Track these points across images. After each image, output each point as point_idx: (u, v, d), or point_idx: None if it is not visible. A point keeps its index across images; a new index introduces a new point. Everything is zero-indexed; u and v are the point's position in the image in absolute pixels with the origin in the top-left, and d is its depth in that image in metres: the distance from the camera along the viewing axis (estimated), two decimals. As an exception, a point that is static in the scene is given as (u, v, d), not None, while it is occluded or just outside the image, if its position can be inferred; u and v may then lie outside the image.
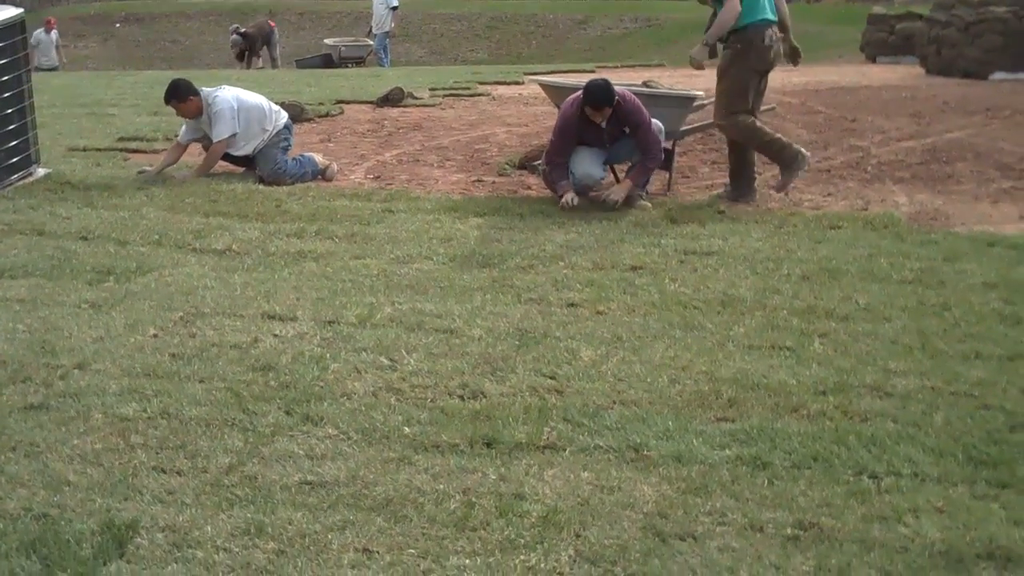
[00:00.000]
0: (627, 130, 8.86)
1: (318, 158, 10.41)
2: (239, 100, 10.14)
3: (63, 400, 5.03)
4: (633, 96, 8.84)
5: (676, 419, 4.82)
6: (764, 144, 9.08)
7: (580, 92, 8.84)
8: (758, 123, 9.08)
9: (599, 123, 8.79)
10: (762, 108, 9.47)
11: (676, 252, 7.55)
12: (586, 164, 8.96)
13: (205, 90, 10.14)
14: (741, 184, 9.32)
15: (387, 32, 25.74)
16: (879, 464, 4.40)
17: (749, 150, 9.28)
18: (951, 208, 9.02)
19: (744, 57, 8.93)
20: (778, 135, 9.20)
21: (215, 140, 10.06)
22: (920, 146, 11.22)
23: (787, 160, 9.05)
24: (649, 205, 8.93)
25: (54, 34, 28.88)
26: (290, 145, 10.35)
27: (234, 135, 10.04)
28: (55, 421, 4.82)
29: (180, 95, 10.04)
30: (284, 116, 10.38)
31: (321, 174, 10.20)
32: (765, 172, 9.79)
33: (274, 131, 10.15)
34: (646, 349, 5.70)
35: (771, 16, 8.94)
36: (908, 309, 6.36)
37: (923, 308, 6.39)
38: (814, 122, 12.83)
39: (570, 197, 8.71)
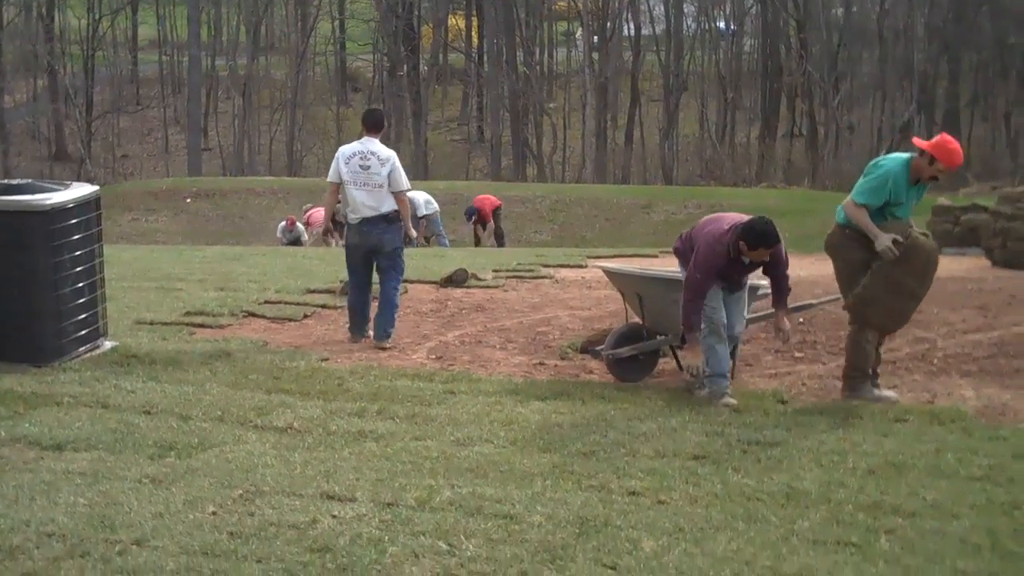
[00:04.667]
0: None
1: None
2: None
3: (120, 577, 5.01)
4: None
5: (739, 616, 4.72)
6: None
7: (726, 229, 8.64)
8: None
9: (747, 262, 8.66)
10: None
11: (739, 442, 7.48)
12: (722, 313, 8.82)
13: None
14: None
15: (437, 211, 25.98)
16: (950, 670, 4.27)
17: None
18: (1019, 403, 8.89)
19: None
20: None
21: (404, 190, 11.18)
22: (987, 339, 11.11)
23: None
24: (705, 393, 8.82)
25: (297, 227, 27.88)
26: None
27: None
28: (111, 598, 4.79)
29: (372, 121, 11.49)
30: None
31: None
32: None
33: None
34: (708, 541, 5.61)
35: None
36: (977, 507, 6.24)
37: (992, 506, 6.27)
38: (878, 312, 12.77)
39: (699, 365, 8.54)
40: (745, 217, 8.84)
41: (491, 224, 27.44)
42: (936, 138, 8.87)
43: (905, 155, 8.87)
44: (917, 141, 8.88)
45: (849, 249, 8.88)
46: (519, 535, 5.62)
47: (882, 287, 8.75)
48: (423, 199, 25.63)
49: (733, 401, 8.65)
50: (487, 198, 28.56)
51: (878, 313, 8.85)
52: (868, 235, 8.72)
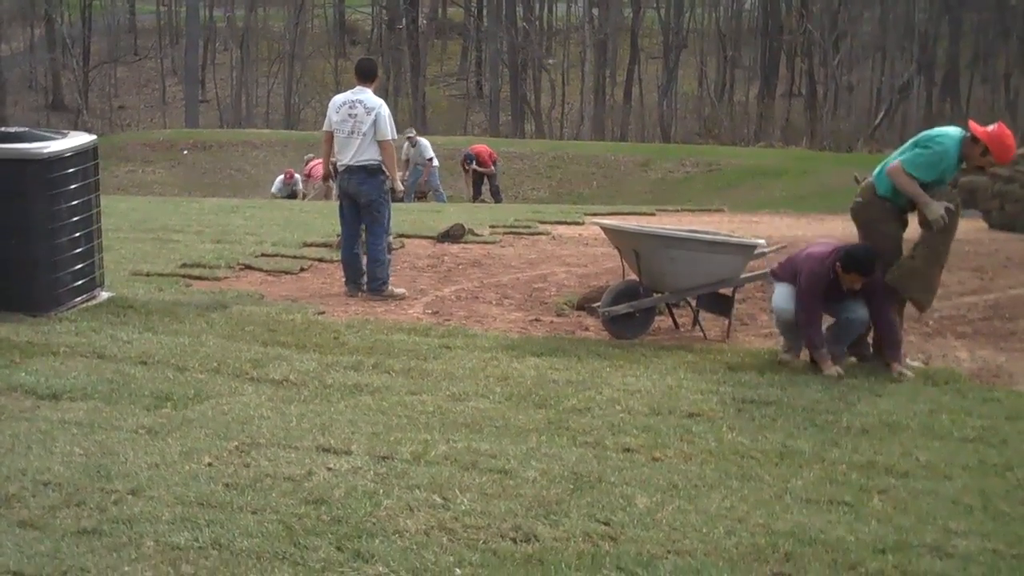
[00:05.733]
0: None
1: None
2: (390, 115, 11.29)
3: (116, 526, 5.03)
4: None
5: (731, 572, 4.74)
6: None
7: (831, 251, 8.55)
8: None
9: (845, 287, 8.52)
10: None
11: (734, 400, 7.50)
12: (786, 299, 8.72)
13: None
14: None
15: (435, 165, 26.07)
16: (940, 628, 4.29)
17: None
18: (1014, 366, 8.91)
19: None
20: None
21: (388, 139, 11.10)
22: (982, 302, 11.14)
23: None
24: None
25: (295, 179, 27.79)
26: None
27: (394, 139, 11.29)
28: (107, 547, 4.81)
29: (364, 70, 11.46)
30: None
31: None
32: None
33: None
34: (702, 498, 5.63)
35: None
36: (969, 468, 6.26)
37: (985, 467, 6.29)
38: (875, 273, 12.77)
39: (836, 371, 8.37)
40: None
41: (490, 168, 27.49)
42: (993, 128, 8.47)
43: (957, 133, 8.56)
44: (974, 126, 8.51)
45: (886, 223, 8.69)
46: (513, 490, 5.64)
47: (930, 259, 8.60)
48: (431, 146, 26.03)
49: (788, 358, 8.68)
50: (483, 147, 28.72)
51: (920, 287, 8.67)
52: (917, 202, 8.53)
